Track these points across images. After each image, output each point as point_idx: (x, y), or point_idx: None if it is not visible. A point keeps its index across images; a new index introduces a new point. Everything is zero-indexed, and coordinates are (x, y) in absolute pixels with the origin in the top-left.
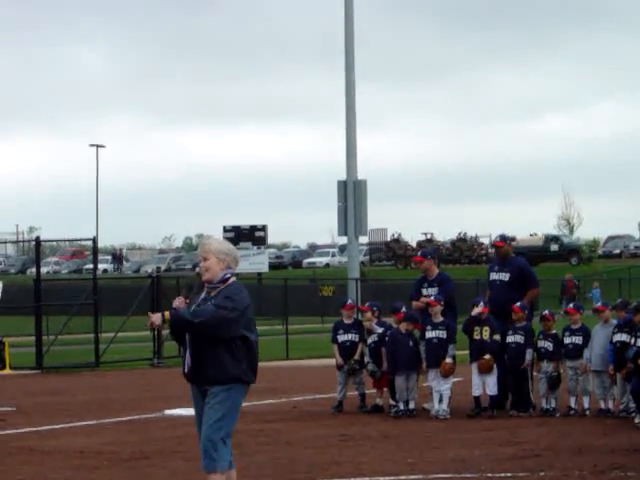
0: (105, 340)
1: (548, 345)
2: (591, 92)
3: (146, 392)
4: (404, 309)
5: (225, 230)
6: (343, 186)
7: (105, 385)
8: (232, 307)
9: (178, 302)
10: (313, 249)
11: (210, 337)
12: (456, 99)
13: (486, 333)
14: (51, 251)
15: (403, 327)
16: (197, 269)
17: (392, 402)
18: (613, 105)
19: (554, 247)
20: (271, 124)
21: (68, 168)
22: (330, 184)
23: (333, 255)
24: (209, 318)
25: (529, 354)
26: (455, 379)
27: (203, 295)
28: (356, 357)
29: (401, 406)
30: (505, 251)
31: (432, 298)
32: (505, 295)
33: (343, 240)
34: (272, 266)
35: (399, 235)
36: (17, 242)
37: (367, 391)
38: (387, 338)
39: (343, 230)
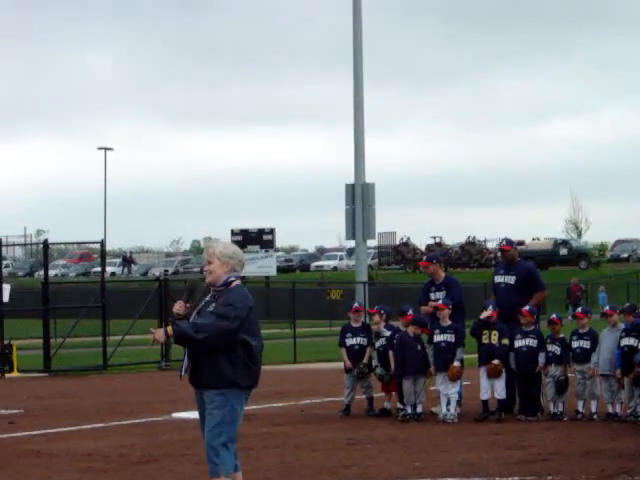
0: (113, 343)
1: (556, 349)
2: (599, 97)
3: (154, 395)
4: (411, 311)
5: (233, 233)
6: (351, 189)
7: (113, 388)
8: (234, 316)
9: (178, 307)
10: (321, 252)
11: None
12: (464, 103)
13: (495, 337)
14: (59, 254)
15: (411, 331)
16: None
17: (400, 406)
18: (621, 109)
19: (563, 251)
20: (280, 128)
21: (76, 171)
22: (338, 188)
23: (341, 258)
24: (212, 334)
25: (542, 357)
26: (465, 383)
27: (207, 298)
28: (365, 361)
29: (409, 410)
30: (511, 255)
31: (440, 302)
32: (511, 298)
33: (351, 243)
34: (282, 269)
35: (408, 239)
36: (25, 245)
37: (375, 395)
38: (395, 341)
39: (351, 233)
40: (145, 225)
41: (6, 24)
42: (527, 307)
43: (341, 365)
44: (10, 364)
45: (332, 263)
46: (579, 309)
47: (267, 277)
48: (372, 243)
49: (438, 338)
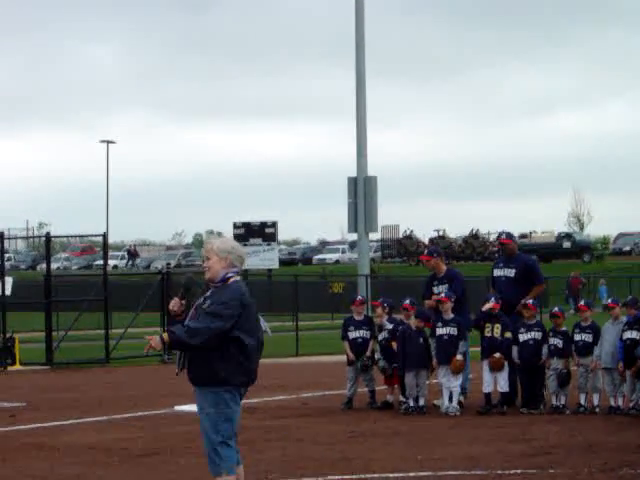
0: (115, 336)
1: (558, 342)
2: (603, 90)
3: (156, 388)
4: (408, 301)
5: (235, 226)
6: (353, 182)
7: (115, 381)
8: (229, 315)
9: (173, 303)
10: (323, 245)
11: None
12: (468, 96)
13: (497, 330)
14: (61, 247)
15: (414, 324)
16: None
17: (402, 399)
18: (625, 103)
19: (566, 244)
20: (282, 121)
21: (78, 164)
22: (341, 181)
23: (343, 252)
24: (206, 338)
25: (545, 349)
26: (470, 375)
27: (207, 294)
28: (367, 354)
29: (411, 403)
30: (511, 248)
31: (443, 295)
32: (511, 291)
33: (353, 237)
34: (284, 262)
35: (411, 232)
36: (27, 238)
37: (377, 388)
38: (397, 334)
39: (353, 227)
40: (147, 218)
41: (7, 18)
42: (531, 301)
43: (343, 358)
44: (12, 357)
45: (334, 256)
46: (582, 302)
47: (269, 270)
48: (375, 236)
49: (440, 331)
